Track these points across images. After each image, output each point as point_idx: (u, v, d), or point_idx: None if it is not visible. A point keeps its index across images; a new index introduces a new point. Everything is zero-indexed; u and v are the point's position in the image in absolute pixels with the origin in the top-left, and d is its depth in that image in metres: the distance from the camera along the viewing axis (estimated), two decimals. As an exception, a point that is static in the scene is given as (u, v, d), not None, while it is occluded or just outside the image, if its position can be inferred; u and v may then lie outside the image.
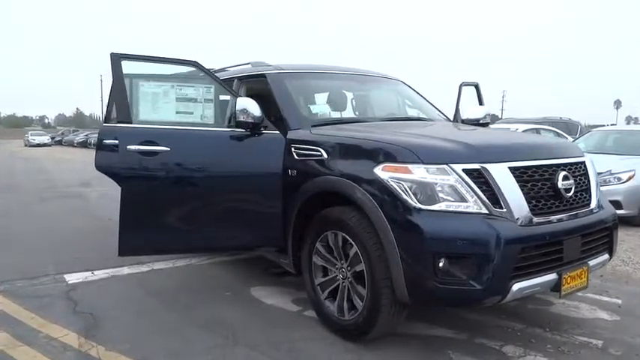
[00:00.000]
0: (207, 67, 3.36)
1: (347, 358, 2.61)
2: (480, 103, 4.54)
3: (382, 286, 2.52)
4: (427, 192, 2.39)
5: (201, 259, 4.39)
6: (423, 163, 2.43)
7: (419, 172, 2.42)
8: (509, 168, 2.48)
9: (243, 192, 3.22)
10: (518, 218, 2.40)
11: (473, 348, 2.71)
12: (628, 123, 68.81)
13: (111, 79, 3.14)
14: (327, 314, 2.93)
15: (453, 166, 2.40)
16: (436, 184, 2.39)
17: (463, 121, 4.05)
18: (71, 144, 38.10)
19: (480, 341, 2.80)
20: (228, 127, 3.27)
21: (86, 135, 38.04)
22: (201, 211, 3.21)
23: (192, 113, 3.20)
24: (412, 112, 3.94)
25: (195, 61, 3.20)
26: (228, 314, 3.16)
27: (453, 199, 2.38)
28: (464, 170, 2.40)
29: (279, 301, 3.41)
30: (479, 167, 2.42)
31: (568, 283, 2.55)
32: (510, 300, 2.42)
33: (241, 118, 3.09)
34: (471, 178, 2.39)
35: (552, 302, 3.36)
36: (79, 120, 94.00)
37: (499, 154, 2.53)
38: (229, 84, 3.66)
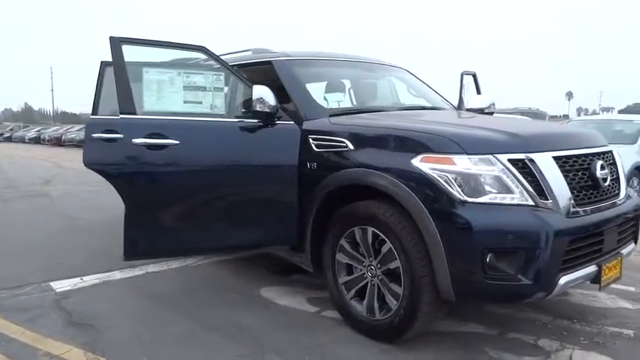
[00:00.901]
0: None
1: (386, 359, 2.47)
2: (478, 91, 4.49)
3: (422, 284, 2.39)
4: (472, 184, 2.27)
5: (196, 259, 4.14)
6: (467, 153, 2.30)
7: (463, 163, 2.29)
8: (554, 157, 2.39)
9: (257, 187, 3.01)
10: (563, 209, 2.32)
11: (508, 344, 2.63)
12: (578, 114, 71.96)
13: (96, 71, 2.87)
14: (353, 315, 2.78)
15: (498, 156, 2.29)
16: (481, 175, 2.28)
17: (468, 110, 3.97)
18: (22, 140, 36.16)
19: (513, 336, 2.72)
20: (239, 117, 3.06)
21: (38, 131, 36.24)
22: (213, 208, 2.99)
23: (201, 103, 2.95)
24: (422, 101, 3.82)
25: (203, 47, 2.95)
26: (243, 318, 2.96)
27: (498, 191, 2.26)
28: (509, 160, 2.29)
29: (294, 302, 3.23)
30: (524, 157, 2.31)
31: (606, 275, 2.50)
32: (556, 294, 2.34)
33: (258, 107, 2.87)
34: (516, 169, 2.29)
35: (570, 292, 3.33)
36: (27, 115, 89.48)
37: (543, 143, 2.44)
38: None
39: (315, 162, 2.91)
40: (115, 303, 3.24)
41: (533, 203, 2.27)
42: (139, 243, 2.83)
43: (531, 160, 2.31)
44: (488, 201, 2.25)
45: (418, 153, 2.41)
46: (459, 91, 4.32)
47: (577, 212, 2.37)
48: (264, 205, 3.04)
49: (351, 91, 3.63)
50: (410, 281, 2.42)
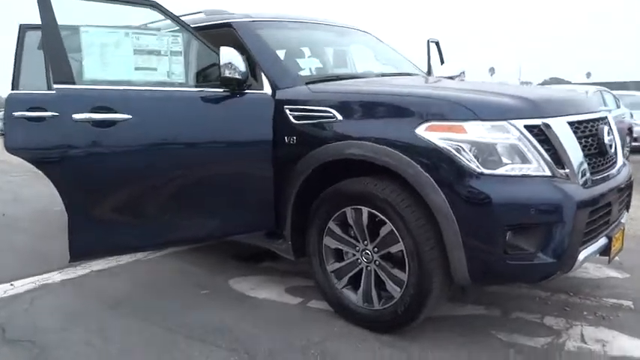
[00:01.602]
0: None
1: (391, 354, 2.20)
2: (442, 60, 4.29)
3: (432, 268, 2.13)
4: (488, 154, 2.01)
5: (148, 252, 3.65)
6: (480, 119, 2.04)
7: (476, 131, 2.03)
8: (568, 123, 2.19)
9: (225, 167, 2.60)
10: (580, 179, 2.13)
11: (514, 325, 2.45)
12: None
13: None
14: (346, 305, 2.48)
15: (513, 122, 2.05)
16: (496, 144, 2.02)
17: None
18: None
19: (517, 316, 2.55)
20: (202, 86, 2.62)
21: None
22: (176, 194, 2.55)
23: (155, 69, 2.47)
24: (398, 68, 3.51)
25: (154, 2, 2.45)
26: (220, 318, 2.58)
27: (514, 161, 2.03)
28: (525, 127, 2.06)
29: (272, 294, 2.89)
30: (540, 123, 2.09)
31: (615, 246, 2.37)
32: (574, 271, 2.17)
33: (227, 73, 2.44)
34: (532, 136, 2.06)
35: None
36: None
37: (557, 107, 2.23)
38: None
39: (294, 136, 2.54)
40: (59, 311, 2.73)
41: (550, 173, 2.05)
42: (89, 240, 2.35)
43: (547, 126, 2.09)
44: (506, 172, 2.01)
45: (423, 121, 2.11)
46: (427, 59, 4.09)
47: (592, 181, 2.19)
48: (235, 188, 2.65)
49: (323, 56, 3.27)
50: (417, 266, 2.15)
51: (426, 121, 2.10)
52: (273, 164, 2.63)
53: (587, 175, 2.16)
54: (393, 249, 2.25)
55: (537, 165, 2.04)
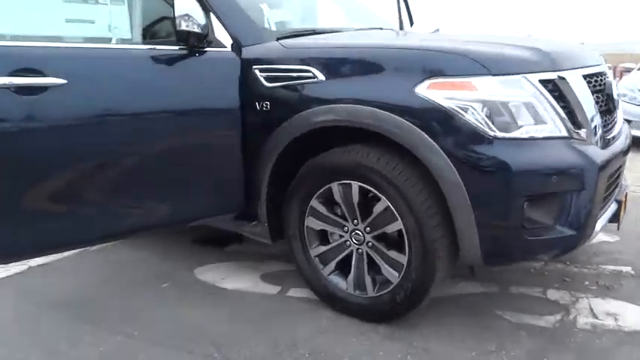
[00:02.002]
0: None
1: (392, 348, 1.93)
2: (411, 20, 3.97)
3: (437, 249, 1.86)
4: (501, 114, 1.73)
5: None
6: (492, 74, 1.75)
7: (488, 88, 1.74)
8: (583, 76, 1.94)
9: (184, 141, 2.19)
10: (596, 140, 1.90)
11: (517, 301, 2.25)
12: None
13: None
14: (334, 293, 2.19)
15: (528, 76, 1.77)
16: (510, 102, 1.75)
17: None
18: None
19: (517, 291, 2.35)
20: (152, 43, 2.17)
21: None
22: (125, 176, 2.10)
23: (93, 22, 2.01)
24: (373, 24, 3.16)
25: (85, -63, 1.97)
26: (189, 316, 2.22)
27: (530, 122, 1.76)
28: (540, 82, 1.79)
29: (246, 283, 2.55)
30: (555, 77, 1.82)
31: (623, 211, 2.19)
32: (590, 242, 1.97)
33: (184, 26, 2.01)
34: (548, 92, 1.79)
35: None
36: None
37: (571, 58, 1.97)
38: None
39: (266, 101, 2.17)
40: (-9, 320, 2.28)
41: (567, 134, 1.80)
42: (17, 237, 1.90)
43: (563, 80, 1.83)
44: (522, 135, 1.74)
45: (424, 78, 1.80)
46: (398, 16, 3.76)
47: (607, 142, 1.98)
48: (197, 166, 2.25)
49: (292, 9, 2.86)
50: (420, 247, 1.87)
51: (428, 77, 1.79)
52: (242, 136, 2.25)
53: (600, 134, 1.93)
54: (390, 228, 1.96)
55: (553, 125, 1.78)
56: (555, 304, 2.22)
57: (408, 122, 1.80)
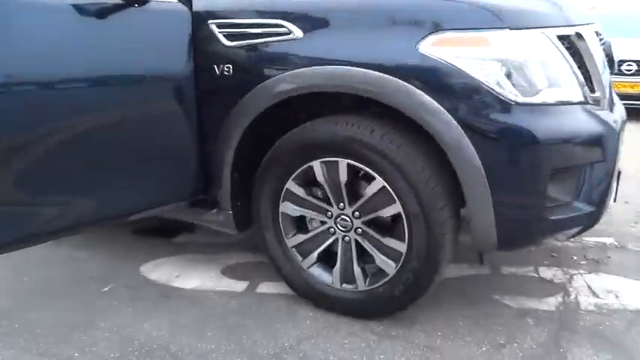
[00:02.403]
0: None
1: (392, 348, 1.68)
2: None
3: (443, 234, 1.61)
4: (522, 75, 1.48)
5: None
6: (509, 27, 1.48)
7: (505, 44, 1.47)
8: (596, 32, 1.73)
9: (124, 116, 1.77)
10: (607, 104, 1.71)
11: (512, 284, 2.08)
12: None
13: None
14: (317, 288, 1.89)
15: (547, 32, 1.52)
16: (529, 61, 1.50)
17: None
18: None
19: (509, 272, 2.17)
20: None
21: None
22: (48, 162, 1.63)
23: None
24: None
25: None
26: (141, 327, 1.84)
27: (551, 84, 1.53)
28: (559, 38, 1.55)
29: (205, 280, 2.18)
30: (573, 33, 1.60)
31: (620, 181, 2.05)
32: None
33: (121, -35, 1.56)
34: (567, 50, 1.56)
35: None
36: None
37: (580, 13, 1.75)
38: None
39: (228, 64, 1.79)
40: None
41: (582, 98, 1.59)
42: None
43: (580, 37, 1.61)
44: (542, 100, 1.50)
45: (429, 33, 1.50)
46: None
47: (612, 107, 1.80)
48: (141, 146, 1.83)
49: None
50: (424, 232, 1.60)
51: (434, 32, 1.49)
52: (197, 107, 1.87)
53: (608, 98, 1.75)
54: (385, 212, 1.68)
55: (570, 88, 1.56)
56: (551, 284, 2.07)
57: (409, 86, 1.50)
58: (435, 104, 1.48)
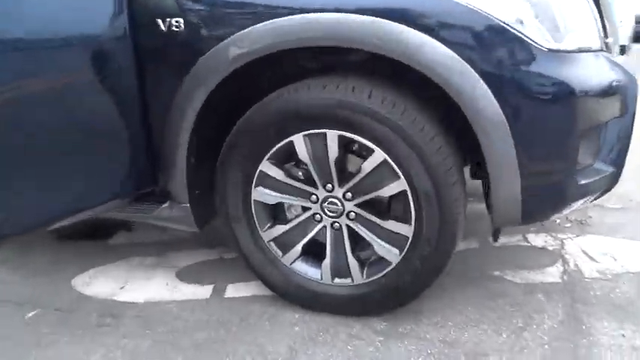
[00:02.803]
0: None
1: (407, 351, 1.43)
2: None
3: (458, 212, 1.37)
4: (550, 17, 1.25)
5: None
6: (529, -43, 1.24)
7: (528, -21, 1.23)
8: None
9: (44, 89, 1.35)
10: (618, 51, 1.55)
11: (508, 256, 1.91)
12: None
13: None
14: (303, 287, 1.59)
15: (565, -38, 1.31)
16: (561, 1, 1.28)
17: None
18: None
19: (501, 243, 2.01)
20: None
21: None
22: None
23: None
24: None
25: None
26: (91, 358, 1.45)
27: (572, 30, 1.32)
28: (576, -29, 1.34)
29: (161, 288, 1.81)
30: (588, -34, 1.39)
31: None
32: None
33: None
34: (584, -12, 1.36)
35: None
36: None
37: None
38: None
39: (177, 18, 1.40)
40: None
41: (599, 45, 1.40)
42: None
43: (595, -28, 1.41)
44: (571, 47, 1.29)
45: (438, -33, 1.22)
46: None
47: (624, 53, 1.65)
48: (70, 129, 1.42)
49: None
50: (436, 212, 1.35)
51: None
52: (137, 76, 1.47)
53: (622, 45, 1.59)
54: (385, 191, 1.41)
55: (591, 33, 1.37)
56: (546, 252, 1.93)
57: (420, 35, 1.22)
58: (454, 55, 1.21)
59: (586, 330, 1.47)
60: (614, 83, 1.33)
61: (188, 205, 1.61)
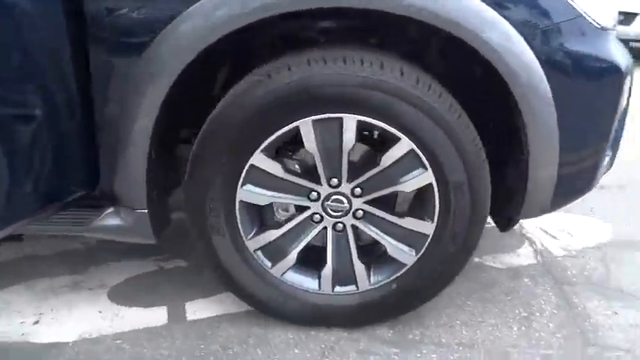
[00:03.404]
0: None
1: (423, 355, 1.28)
2: None
3: (486, 205, 1.24)
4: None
5: None
6: None
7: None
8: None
9: None
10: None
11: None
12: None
13: None
14: (297, 299, 1.33)
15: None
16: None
17: None
18: None
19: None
20: None
21: None
22: None
23: None
24: None
25: None
26: None
27: (609, 6, 1.24)
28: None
29: (94, 319, 1.39)
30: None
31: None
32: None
33: None
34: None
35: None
36: None
37: None
38: None
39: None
40: None
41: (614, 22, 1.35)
42: None
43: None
44: (612, 26, 1.21)
45: None
46: None
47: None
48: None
49: None
50: (468, 205, 1.20)
51: None
52: (73, 54, 1.05)
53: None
54: (409, 185, 1.21)
55: (605, 9, 1.30)
56: (509, 233, 1.92)
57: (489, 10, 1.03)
58: (511, 29, 1.04)
59: (583, 312, 1.47)
60: (628, 63, 1.29)
61: (145, 210, 1.23)
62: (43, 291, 1.51)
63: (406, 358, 1.28)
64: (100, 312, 1.42)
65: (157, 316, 1.42)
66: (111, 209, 1.25)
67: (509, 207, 1.31)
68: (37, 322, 1.38)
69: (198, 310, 1.44)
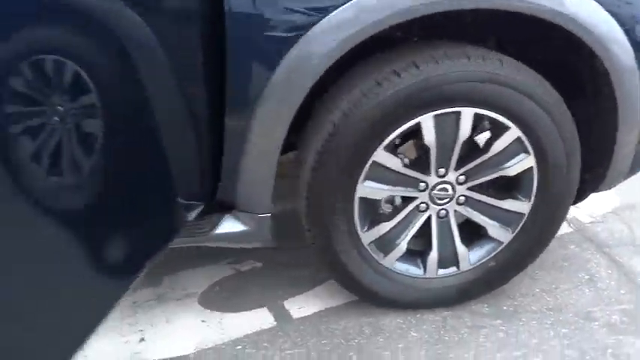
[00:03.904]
0: None
1: (538, 324, 1.40)
2: None
3: (576, 180, 1.38)
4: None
5: None
6: None
7: None
8: None
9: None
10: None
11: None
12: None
13: None
14: (404, 286, 1.40)
15: None
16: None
17: None
18: None
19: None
20: None
21: None
22: None
23: None
24: None
25: None
26: None
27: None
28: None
29: (197, 329, 1.38)
30: None
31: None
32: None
33: None
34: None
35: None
36: None
37: None
38: None
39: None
40: None
41: None
42: None
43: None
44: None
45: None
46: None
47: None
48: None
49: None
50: (565, 185, 1.33)
51: None
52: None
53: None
54: (513, 170, 1.32)
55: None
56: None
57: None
58: (613, 20, 1.17)
59: (632, 270, 1.67)
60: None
61: (268, 214, 1.24)
62: (129, 307, 1.46)
63: (511, 327, 1.40)
64: (204, 321, 1.41)
65: (262, 318, 1.42)
66: (226, 216, 1.24)
67: (586, 183, 1.46)
68: (142, 340, 1.34)
69: (299, 307, 1.46)
